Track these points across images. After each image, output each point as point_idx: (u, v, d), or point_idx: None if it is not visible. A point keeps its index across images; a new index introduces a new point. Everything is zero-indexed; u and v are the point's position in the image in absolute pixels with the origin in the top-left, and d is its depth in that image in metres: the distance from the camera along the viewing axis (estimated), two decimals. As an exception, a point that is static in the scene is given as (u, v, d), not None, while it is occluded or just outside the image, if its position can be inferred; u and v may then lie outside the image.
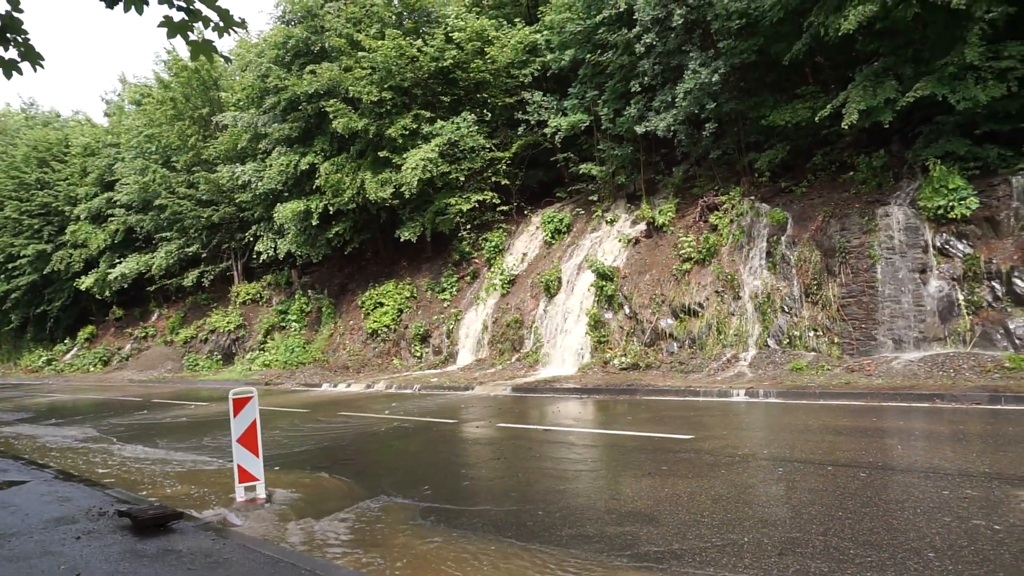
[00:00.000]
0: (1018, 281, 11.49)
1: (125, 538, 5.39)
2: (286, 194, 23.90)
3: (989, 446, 6.99)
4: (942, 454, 6.78)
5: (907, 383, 10.74)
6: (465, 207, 21.00)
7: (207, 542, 5.19)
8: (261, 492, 6.69)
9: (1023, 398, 9.11)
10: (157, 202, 29.94)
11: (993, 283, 11.80)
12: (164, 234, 31.16)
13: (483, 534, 5.31)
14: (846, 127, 12.67)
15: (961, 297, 12.03)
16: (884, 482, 5.90)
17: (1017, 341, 11.20)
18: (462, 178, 21.09)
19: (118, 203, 32.28)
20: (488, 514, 5.88)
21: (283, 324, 27.50)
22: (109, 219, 33.48)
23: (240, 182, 24.99)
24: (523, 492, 6.51)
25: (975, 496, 5.27)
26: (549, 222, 21.09)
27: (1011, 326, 11.33)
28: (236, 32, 5.27)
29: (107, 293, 34.49)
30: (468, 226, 22.14)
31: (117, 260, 33.56)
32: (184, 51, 32.73)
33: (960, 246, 12.34)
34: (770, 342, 14.05)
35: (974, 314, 11.83)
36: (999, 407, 9.10)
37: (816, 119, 13.58)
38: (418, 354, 21.88)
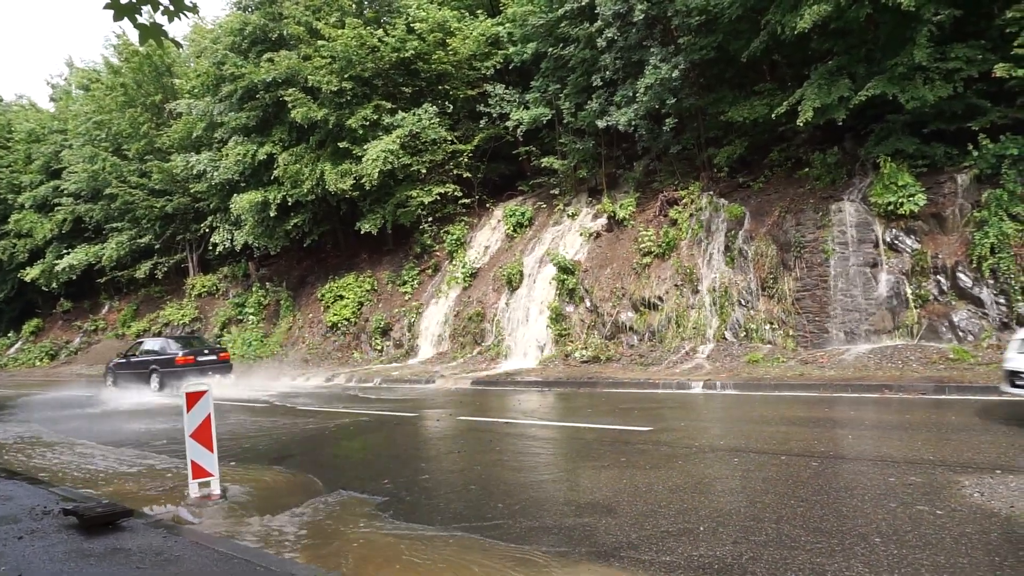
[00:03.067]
0: (962, 276, 11.89)
1: (71, 537, 5.22)
2: (243, 184, 23.40)
3: (934, 434, 7.23)
4: (889, 443, 6.99)
5: (858, 374, 11.04)
6: (427, 199, 20.86)
7: (158, 540, 5.06)
8: (216, 488, 6.55)
9: (966, 388, 9.45)
10: (107, 191, 29.02)
11: (939, 277, 12.20)
12: (115, 224, 30.23)
13: (442, 528, 5.29)
14: (801, 124, 12.94)
15: (909, 291, 12.41)
16: (834, 471, 6.05)
17: (960, 333, 11.60)
18: (423, 170, 20.94)
19: (65, 192, 31.21)
20: (448, 507, 5.86)
21: (240, 317, 26.98)
22: (56, 208, 32.35)
23: (195, 172, 24.38)
24: (483, 485, 6.51)
25: (919, 483, 5.45)
26: (511, 215, 21.09)
27: (955, 319, 11.73)
28: (188, 16, 5.11)
29: (54, 285, 33.34)
30: (430, 219, 22.00)
31: (65, 251, 32.44)
32: (134, 35, 31.68)
33: (908, 241, 12.72)
34: (727, 335, 14.29)
35: (921, 307, 12.22)
36: (944, 396, 9.42)
37: (773, 116, 13.83)
38: (379, 347, 21.70)
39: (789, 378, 11.38)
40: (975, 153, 12.21)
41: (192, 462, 6.53)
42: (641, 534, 4.79)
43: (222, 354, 19.64)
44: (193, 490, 6.49)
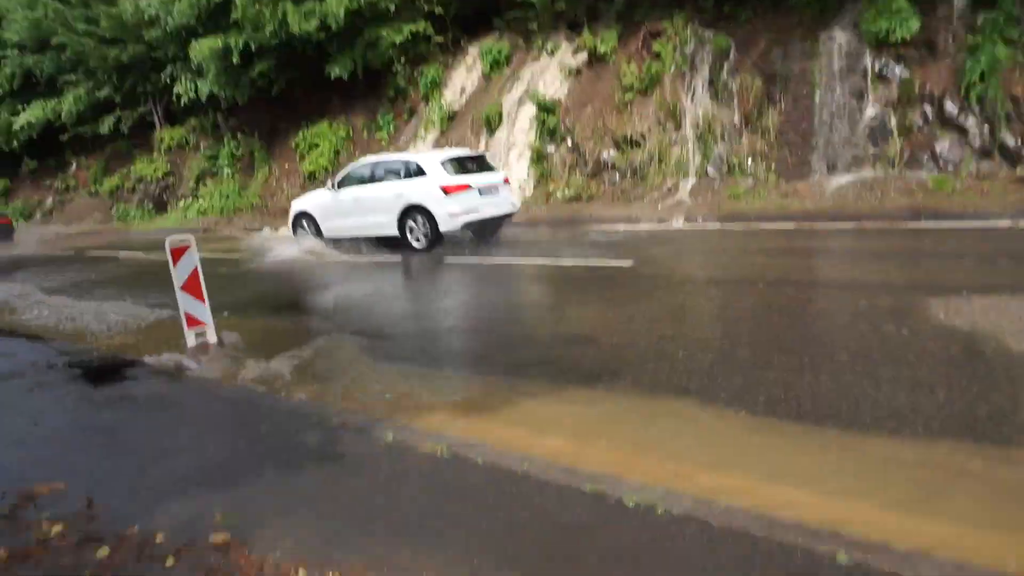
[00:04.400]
0: (948, 104, 11.72)
1: (78, 388, 5.44)
2: (200, 30, 21.85)
3: (907, 261, 7.49)
4: (863, 270, 7.24)
5: (837, 205, 11.20)
6: (398, 39, 19.70)
7: (162, 387, 5.28)
8: (211, 336, 6.74)
9: (941, 216, 9.67)
10: (55, 41, 27.01)
11: (925, 106, 12.03)
12: (68, 77, 28.46)
13: (433, 364, 5.54)
14: (794, -59, 12.10)
15: (894, 121, 12.26)
16: (808, 297, 6.32)
17: (941, 162, 11.64)
18: (393, 7, 19.58)
19: (9, 43, 29.09)
20: (438, 343, 6.11)
21: (214, 170, 26.34)
22: (1, 61, 30.32)
23: (147, 17, 22.70)
24: (471, 321, 6.75)
25: (888, 305, 5.72)
26: (487, 54, 20.08)
27: (937, 148, 11.72)
28: None
29: (15, 144, 31.98)
30: (402, 60, 20.91)
31: (20, 108, 30.82)
32: None
33: (897, 70, 12.38)
34: (710, 170, 14.25)
35: (905, 138, 12.14)
36: (919, 225, 9.64)
37: (764, -68, 12.88)
38: (359, 197, 21.46)
39: (770, 211, 11.53)
40: (974, -29, 11.58)
41: (186, 313, 6.66)
42: (623, 361, 5.07)
43: (2, 219, 18.09)
44: (190, 340, 6.67)
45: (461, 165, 11.94)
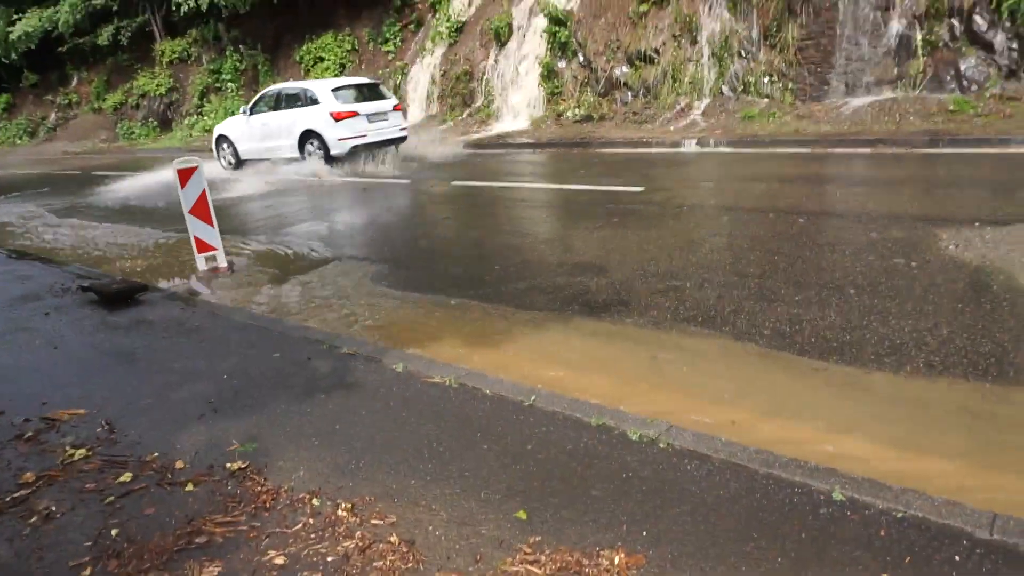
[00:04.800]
0: (977, 19, 11.20)
1: (94, 312, 5.53)
2: (197, -69, 20.93)
3: (920, 190, 7.36)
4: (876, 198, 7.13)
5: (854, 129, 10.92)
6: (403, -58, 18.83)
7: (176, 311, 5.37)
8: (222, 261, 6.80)
9: (959, 141, 9.41)
10: (46, -57, 26.02)
11: (953, 20, 11.49)
12: (63, -17, 27.54)
13: (442, 291, 5.59)
14: None
15: (919, 37, 11.76)
16: (819, 227, 6.26)
17: (965, 83, 11.24)
18: (397, -93, 18.63)
19: (0, -54, 28.00)
20: (446, 272, 6.14)
21: (218, 85, 25.78)
22: (-5, -33, 29.26)
23: (140, -84, 21.63)
24: (479, 249, 6.76)
25: (899, 237, 5.67)
26: (497, -41, 19.19)
27: (962, 67, 11.29)
28: None
29: (13, 56, 31.24)
30: (408, -34, 20.07)
31: (15, 17, 29.94)
32: None
33: (927, -20, 11.77)
34: (724, 89, 13.84)
35: (929, 55, 11.68)
36: (936, 150, 9.41)
37: None
38: (366, 113, 21.05)
39: (784, 134, 11.26)
40: None
41: (195, 237, 6.69)
42: (631, 291, 5.09)
43: None
44: (201, 264, 6.73)
45: (353, 93, 13.34)
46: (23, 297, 6.11)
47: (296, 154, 13.38)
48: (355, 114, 12.84)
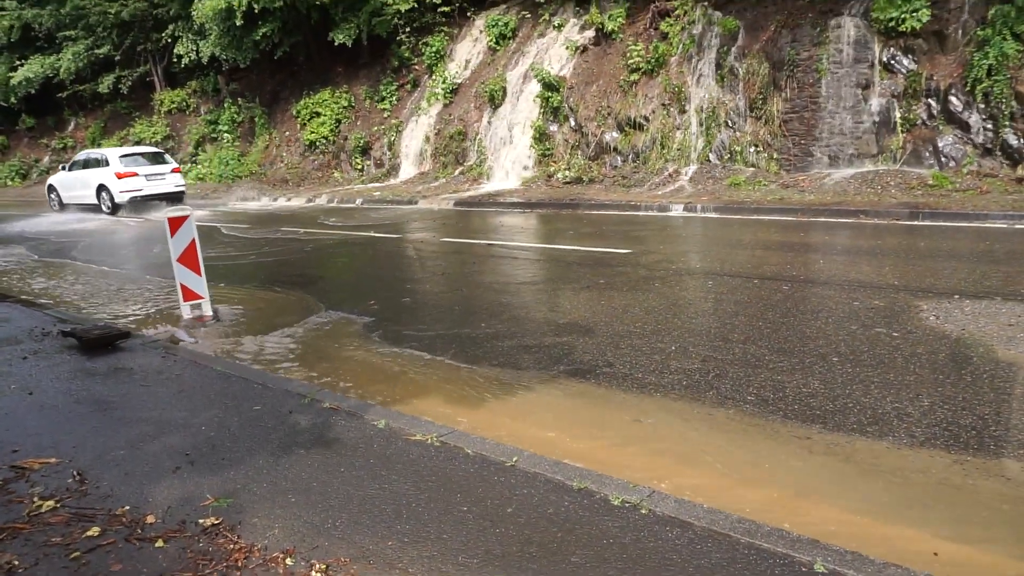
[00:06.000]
0: (953, 99, 11.66)
1: (73, 357, 5.46)
2: (203, -12, 21.55)
3: (902, 260, 7.51)
4: (858, 268, 7.26)
5: (837, 199, 11.19)
6: (403, 7, 19.47)
7: (157, 359, 5.31)
8: (207, 310, 6.76)
9: (939, 214, 9.66)
10: (54, -7, 26.67)
11: (930, 100, 11.96)
12: (68, 32, 28.09)
13: (428, 347, 5.58)
14: (809, -74, 11.92)
15: (898, 114, 12.21)
16: (803, 294, 6.34)
17: (943, 159, 11.62)
18: (399, -26, 19.33)
19: (7, -6, 28.64)
20: (433, 327, 6.13)
21: (214, 135, 26.13)
22: (0, 13, 29.84)
23: (148, -28, 22.32)
24: (466, 306, 6.77)
25: (881, 306, 5.75)
26: (493, 26, 19.86)
27: (940, 144, 11.68)
28: None
29: (12, 100, 31.64)
30: (407, 29, 20.69)
31: (18, 62, 30.42)
32: None
33: (905, 62, 12.29)
34: (712, 157, 14.20)
35: (908, 131, 12.10)
36: (916, 223, 9.65)
37: (779, -84, 12.67)
38: (359, 167, 21.38)
39: (769, 202, 11.51)
40: (989, -38, 11.46)
41: (181, 285, 6.67)
42: (617, 353, 5.10)
43: None
44: (186, 312, 6.70)
45: (138, 159, 18.35)
46: (1, 340, 6.03)
47: (95, 201, 18.39)
48: (135, 174, 17.75)
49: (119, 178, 17.57)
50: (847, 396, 4.12)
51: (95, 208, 18.46)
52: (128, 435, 3.94)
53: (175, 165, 18.97)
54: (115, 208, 17.81)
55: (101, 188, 18.00)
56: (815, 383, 4.32)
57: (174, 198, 18.24)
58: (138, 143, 28.37)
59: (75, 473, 3.49)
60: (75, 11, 26.81)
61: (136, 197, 17.66)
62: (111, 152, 18.35)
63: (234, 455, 3.60)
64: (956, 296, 5.85)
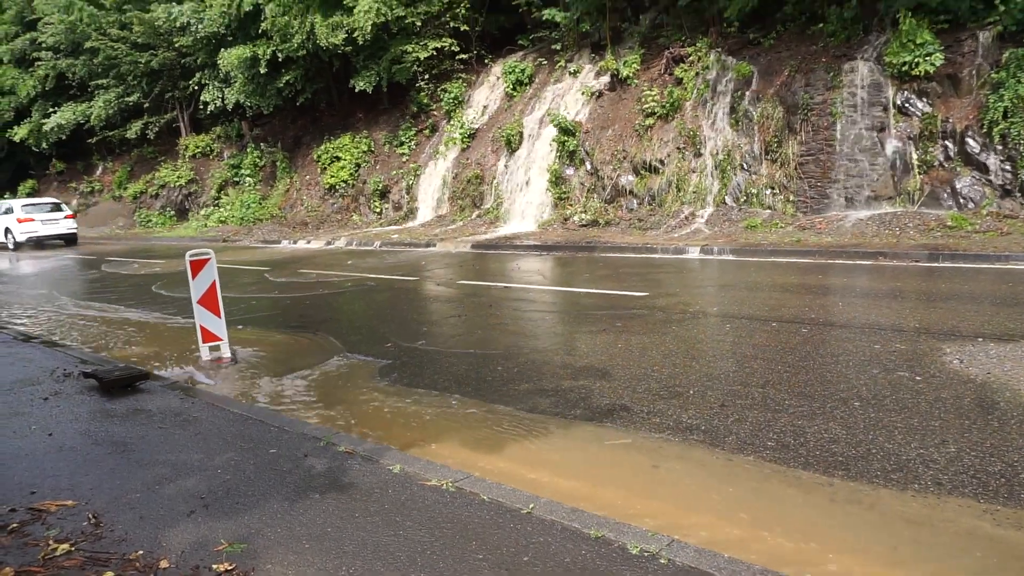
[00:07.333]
0: (970, 141, 11.66)
1: (93, 399, 5.51)
2: (230, 38, 22.31)
3: (922, 302, 7.42)
4: (878, 310, 7.18)
5: (854, 241, 11.13)
6: (423, 55, 19.97)
7: (176, 401, 5.34)
8: (226, 351, 6.82)
9: (959, 256, 9.57)
10: (88, 45, 27.68)
11: (946, 143, 11.97)
12: (100, 81, 29.11)
13: (444, 390, 5.56)
14: (820, -26, 12.14)
15: (915, 156, 12.21)
16: (823, 337, 6.27)
17: (961, 200, 11.56)
18: (419, 23, 19.88)
19: (44, 45, 29.77)
20: (449, 370, 6.13)
21: (237, 179, 26.70)
22: (36, 63, 31.01)
23: (178, 24, 23.16)
24: (483, 348, 6.76)
25: (903, 350, 5.67)
26: (510, 72, 20.28)
27: (958, 185, 11.65)
28: None
29: (44, 145, 32.65)
30: (426, 76, 21.19)
31: (51, 109, 31.47)
32: None
33: (920, 104, 12.34)
34: (728, 199, 14.24)
35: (925, 173, 12.08)
36: (936, 264, 9.56)
37: (791, -36, 12.94)
38: (378, 210, 21.67)
39: (786, 244, 11.48)
40: (1001, 7, 11.58)
41: (201, 327, 6.74)
42: (634, 396, 5.06)
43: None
44: (204, 354, 6.75)
45: (37, 207, 24.99)
46: (22, 381, 6.10)
47: (4, 240, 24.83)
48: (32, 220, 24.11)
49: (20, 222, 24.01)
50: (870, 442, 4.04)
51: (3, 246, 25.03)
52: (144, 478, 3.94)
53: (69, 213, 25.34)
54: (17, 245, 24.36)
55: (7, 230, 24.58)
56: (837, 428, 4.25)
57: (68, 239, 24.83)
58: (163, 187, 29.11)
59: (91, 516, 3.49)
60: (108, 61, 27.80)
61: (32, 237, 24.15)
62: (16, 203, 25.24)
63: (249, 499, 3.59)
64: (980, 339, 5.76)
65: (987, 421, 4.22)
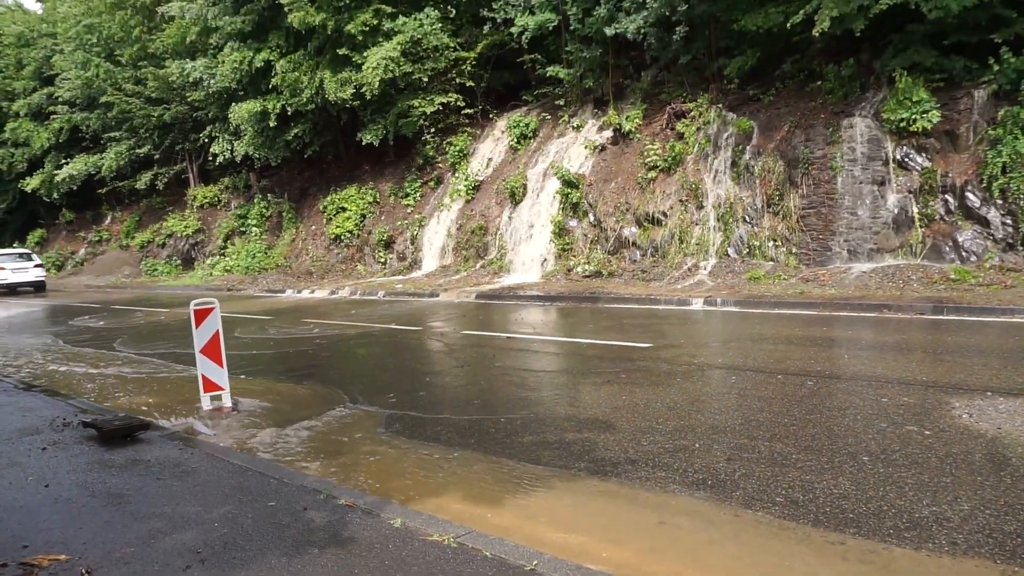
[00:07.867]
0: (970, 195, 11.77)
1: (91, 449, 5.45)
2: (241, 93, 22.84)
3: (928, 355, 7.37)
4: (884, 363, 7.13)
5: (858, 293, 11.13)
6: (429, 109, 20.40)
7: (175, 452, 5.27)
8: (227, 401, 6.77)
9: (963, 309, 9.54)
10: (103, 99, 28.36)
11: (947, 196, 12.08)
12: (112, 134, 29.72)
13: (447, 442, 5.49)
14: (817, 34, 12.44)
15: (916, 210, 12.31)
16: (829, 390, 6.21)
17: (964, 253, 11.60)
18: (425, 79, 20.36)
19: (60, 99, 30.52)
20: (452, 422, 6.06)
21: (243, 229, 26.97)
22: (52, 117, 31.74)
23: (191, 79, 23.73)
24: (486, 400, 6.71)
25: (911, 403, 5.60)
26: (515, 127, 20.67)
27: (959, 239, 11.70)
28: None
29: (55, 195, 33.16)
30: (432, 130, 21.59)
31: (64, 160, 32.05)
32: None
33: (919, 159, 12.51)
34: (730, 251, 14.31)
35: (926, 227, 12.16)
36: (941, 317, 9.53)
37: (788, 25, 13.27)
38: (382, 260, 21.80)
39: (790, 296, 11.48)
40: (995, 67, 11.84)
41: (203, 376, 6.71)
42: (639, 450, 4.98)
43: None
44: (205, 403, 6.71)
45: (8, 256, 27.58)
46: (21, 430, 6.05)
47: None
48: (4, 268, 26.50)
49: None
50: (881, 498, 3.95)
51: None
52: (140, 531, 3.86)
53: (39, 262, 28.08)
54: None
55: None
56: (846, 484, 4.16)
57: (37, 285, 27.39)
58: (170, 236, 29.40)
59: (84, 571, 3.41)
60: (121, 114, 28.45)
61: (3, 284, 26.53)
62: None
63: (246, 553, 3.51)
64: (988, 393, 5.70)
65: (1000, 478, 4.14)
